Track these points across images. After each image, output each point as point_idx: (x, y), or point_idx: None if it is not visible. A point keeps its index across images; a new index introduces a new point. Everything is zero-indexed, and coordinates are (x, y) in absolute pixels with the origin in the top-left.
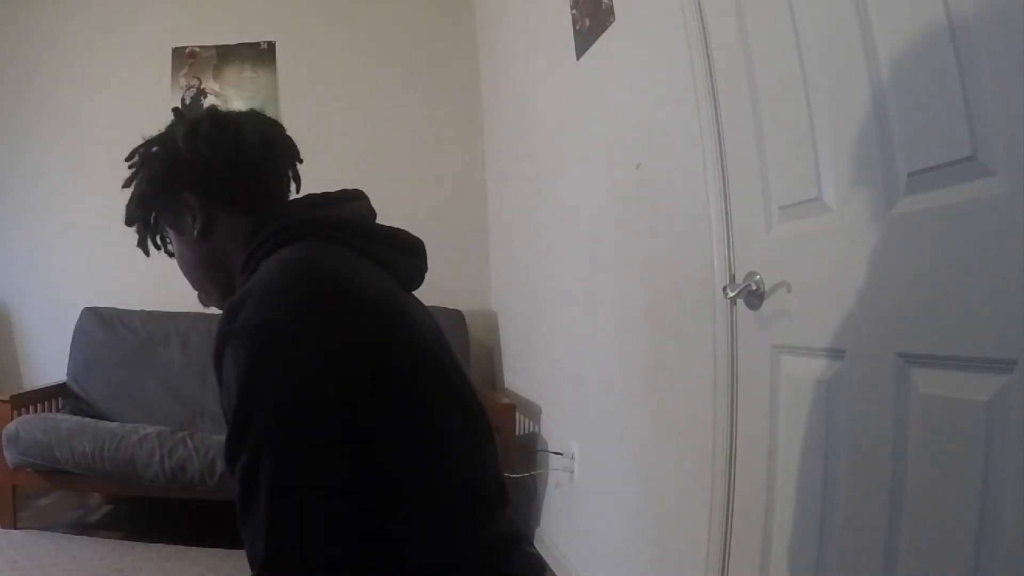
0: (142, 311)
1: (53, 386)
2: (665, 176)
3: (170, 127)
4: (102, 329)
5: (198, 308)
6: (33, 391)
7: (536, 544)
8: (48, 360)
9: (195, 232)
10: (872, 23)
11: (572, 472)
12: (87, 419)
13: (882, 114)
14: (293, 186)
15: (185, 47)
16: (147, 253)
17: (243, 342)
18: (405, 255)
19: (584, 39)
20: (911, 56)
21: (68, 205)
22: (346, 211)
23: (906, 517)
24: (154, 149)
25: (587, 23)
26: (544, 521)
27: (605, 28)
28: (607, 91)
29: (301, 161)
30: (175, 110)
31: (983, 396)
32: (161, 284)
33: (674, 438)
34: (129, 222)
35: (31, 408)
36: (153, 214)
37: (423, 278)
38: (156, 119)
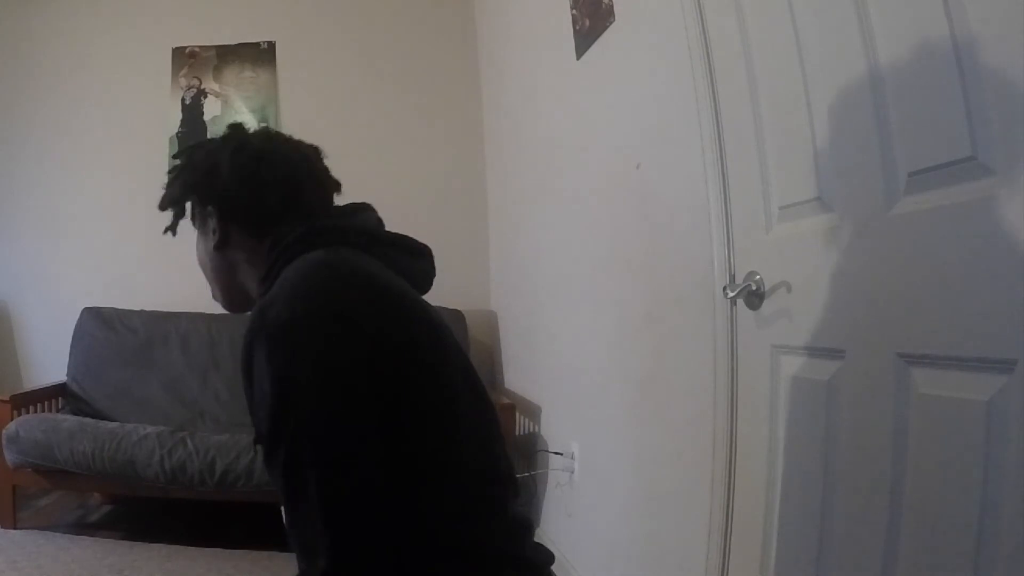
0: (142, 311)
1: (53, 386)
2: (665, 176)
3: (224, 140)
4: (102, 329)
5: (198, 308)
6: (33, 391)
7: None
8: (48, 360)
9: (212, 244)
10: (872, 23)
11: (572, 472)
12: (87, 419)
13: (882, 114)
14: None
15: (185, 47)
16: (174, 234)
17: (274, 338)
18: (415, 259)
19: (584, 39)
20: (911, 56)
21: (68, 205)
22: (359, 220)
23: (906, 517)
24: (199, 157)
25: (587, 23)
26: (544, 521)
27: (605, 28)
28: (607, 91)
29: (339, 191)
30: (235, 124)
31: (983, 396)
32: (161, 284)
33: (674, 438)
34: (161, 208)
35: (31, 408)
36: (182, 213)
37: (431, 282)
38: (156, 119)
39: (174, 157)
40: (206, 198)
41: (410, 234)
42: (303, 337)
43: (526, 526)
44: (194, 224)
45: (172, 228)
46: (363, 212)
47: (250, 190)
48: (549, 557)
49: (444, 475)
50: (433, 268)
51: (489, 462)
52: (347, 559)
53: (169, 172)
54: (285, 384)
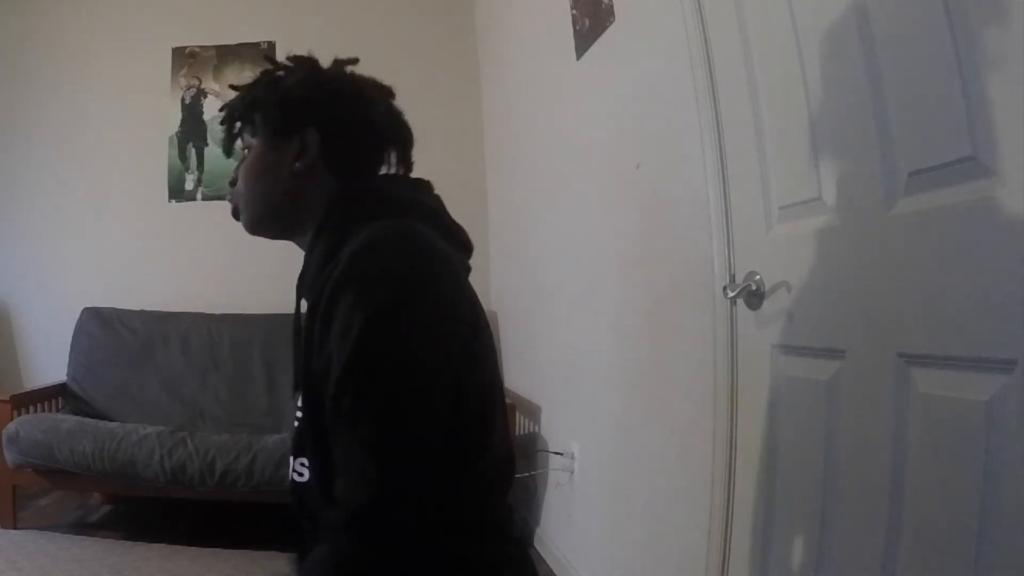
0: (142, 311)
1: (53, 386)
2: (665, 176)
3: (334, 65)
4: (102, 329)
5: (198, 308)
6: (33, 391)
7: (536, 544)
8: (48, 360)
9: (296, 164)
10: (872, 22)
11: (572, 472)
12: (87, 419)
13: (882, 114)
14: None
15: (185, 47)
16: (229, 143)
17: (375, 291)
18: (462, 251)
19: (584, 39)
20: (911, 56)
21: (68, 205)
22: (425, 197)
23: (906, 517)
24: (316, 67)
25: (587, 23)
26: (544, 521)
27: (605, 28)
28: (607, 91)
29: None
30: (339, 60)
31: (983, 396)
32: (161, 284)
33: (674, 438)
34: (237, 106)
35: (31, 408)
36: (261, 118)
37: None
38: (156, 119)
39: (272, 62)
40: (310, 117)
41: None
42: (407, 299)
43: (513, 508)
44: (253, 133)
45: (230, 139)
46: (429, 191)
47: (361, 124)
48: (528, 536)
49: (482, 453)
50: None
51: (506, 446)
52: (391, 500)
53: (270, 74)
54: (376, 339)
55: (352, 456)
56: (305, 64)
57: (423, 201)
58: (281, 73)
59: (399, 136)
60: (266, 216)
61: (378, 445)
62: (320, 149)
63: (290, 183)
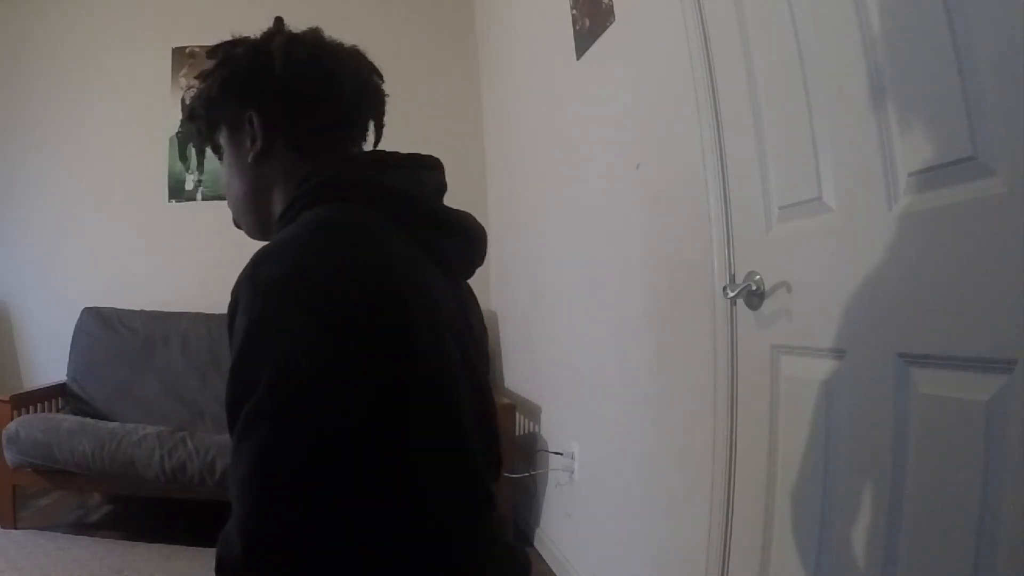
0: (142, 311)
1: (53, 386)
2: (665, 176)
3: (267, 35)
4: (102, 329)
5: (198, 308)
6: (33, 391)
7: (536, 544)
8: (48, 360)
9: (249, 156)
10: (872, 22)
11: (572, 472)
12: (87, 419)
13: (882, 114)
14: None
15: (185, 47)
16: (200, 156)
17: (259, 295)
18: (452, 239)
19: (584, 39)
20: (911, 56)
21: (69, 205)
22: (401, 178)
23: (906, 517)
24: (238, 51)
25: (587, 23)
26: (544, 521)
27: (605, 28)
28: (607, 91)
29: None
30: (277, 19)
31: (983, 396)
32: (161, 284)
33: (674, 438)
34: (189, 118)
35: (31, 408)
36: (213, 119)
37: (472, 269)
38: (156, 119)
39: (208, 56)
40: (247, 100)
41: None
42: (287, 301)
43: (493, 555)
44: (217, 144)
45: (199, 153)
46: (421, 170)
47: (308, 92)
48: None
49: (402, 491)
50: (478, 253)
51: (462, 485)
52: (260, 545)
53: (199, 76)
54: (256, 344)
55: (234, 497)
56: (218, 54)
57: (387, 185)
58: (211, 73)
59: (372, 93)
60: (257, 227)
61: (253, 495)
62: (265, 129)
63: (254, 177)
